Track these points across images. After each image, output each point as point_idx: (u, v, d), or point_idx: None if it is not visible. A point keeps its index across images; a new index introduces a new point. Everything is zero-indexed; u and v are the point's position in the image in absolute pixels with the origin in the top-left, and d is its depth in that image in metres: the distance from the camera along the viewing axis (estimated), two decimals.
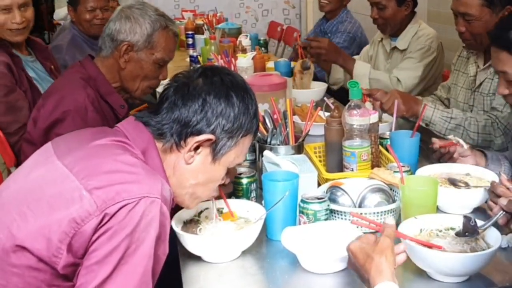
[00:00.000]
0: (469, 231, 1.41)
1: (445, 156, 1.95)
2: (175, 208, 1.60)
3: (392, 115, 2.16)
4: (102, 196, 1.21)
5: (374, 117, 1.92)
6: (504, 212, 1.40)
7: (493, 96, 2.36)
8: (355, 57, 3.54)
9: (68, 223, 1.20)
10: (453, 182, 1.73)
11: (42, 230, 1.21)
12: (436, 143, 1.97)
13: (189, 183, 1.42)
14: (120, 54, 2.06)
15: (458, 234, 1.42)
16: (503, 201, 1.40)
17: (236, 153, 1.44)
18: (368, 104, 2.37)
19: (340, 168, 1.88)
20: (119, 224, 1.19)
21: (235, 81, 1.43)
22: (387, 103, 2.22)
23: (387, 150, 1.94)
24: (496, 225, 1.43)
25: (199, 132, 1.37)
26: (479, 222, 1.42)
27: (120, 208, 1.20)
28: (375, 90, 2.57)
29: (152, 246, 1.23)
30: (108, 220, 1.20)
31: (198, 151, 1.39)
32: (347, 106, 1.85)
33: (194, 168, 1.41)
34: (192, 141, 1.37)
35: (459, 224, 1.43)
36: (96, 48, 3.56)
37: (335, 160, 1.91)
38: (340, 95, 3.11)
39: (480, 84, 2.42)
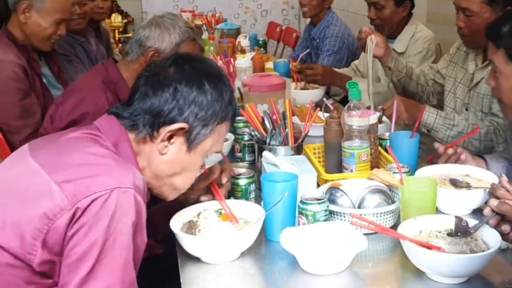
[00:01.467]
0: (461, 231, 1.41)
1: (452, 158, 1.93)
2: (176, 208, 1.60)
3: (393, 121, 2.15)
4: (73, 189, 1.20)
5: (373, 118, 1.92)
6: (494, 213, 1.40)
7: (490, 98, 2.35)
8: (356, 62, 3.54)
9: (40, 219, 1.19)
10: (454, 183, 1.73)
11: (14, 227, 1.20)
12: (441, 147, 1.95)
13: (165, 174, 1.41)
14: (146, 59, 2.11)
15: (450, 235, 1.43)
16: (493, 202, 1.40)
17: (213, 141, 1.42)
18: (373, 37, 2.39)
19: (340, 169, 1.88)
20: (94, 218, 1.18)
21: (208, 68, 1.42)
22: (389, 110, 2.21)
23: (386, 151, 1.94)
24: None
25: (172, 122, 1.36)
26: (471, 223, 1.43)
27: (92, 201, 1.18)
28: (378, 33, 2.59)
29: (130, 236, 1.22)
30: (81, 215, 1.18)
31: (172, 141, 1.38)
32: (346, 106, 1.84)
33: (169, 159, 1.39)
34: (165, 130, 1.36)
35: (454, 222, 1.44)
36: (79, 43, 3.57)
37: (335, 161, 1.91)
38: (343, 103, 3.11)
39: (477, 83, 2.42)
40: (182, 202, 1.65)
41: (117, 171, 1.25)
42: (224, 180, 1.67)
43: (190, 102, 1.36)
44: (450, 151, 1.91)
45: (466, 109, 2.49)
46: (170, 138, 1.37)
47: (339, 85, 3.22)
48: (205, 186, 1.66)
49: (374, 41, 2.42)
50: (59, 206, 1.19)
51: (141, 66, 2.10)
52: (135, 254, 1.25)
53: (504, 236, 1.39)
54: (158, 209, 1.68)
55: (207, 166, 2.18)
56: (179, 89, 1.35)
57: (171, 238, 1.56)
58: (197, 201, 1.66)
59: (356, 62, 3.54)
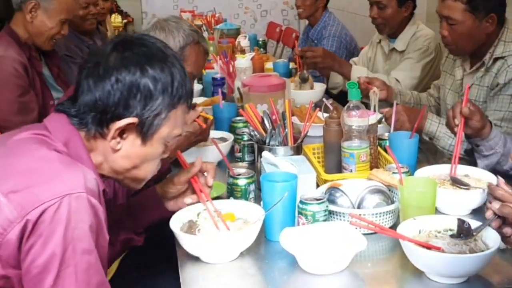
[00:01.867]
0: (463, 233, 1.41)
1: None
2: (155, 201, 1.59)
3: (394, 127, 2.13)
4: (20, 200, 1.14)
5: (372, 118, 1.92)
6: (496, 216, 1.40)
7: (483, 104, 2.34)
8: (354, 59, 3.55)
9: None
10: (454, 181, 1.73)
11: None
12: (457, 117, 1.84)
13: (123, 169, 1.34)
14: None
15: (453, 237, 1.42)
16: (495, 205, 1.40)
17: (170, 128, 1.33)
18: (376, 90, 2.38)
19: (339, 169, 1.88)
20: (48, 229, 1.13)
21: (150, 52, 1.30)
22: (391, 118, 2.17)
23: (386, 151, 1.94)
24: None
25: (120, 117, 1.26)
26: (473, 224, 1.42)
27: (43, 212, 1.13)
28: (375, 79, 2.58)
29: (90, 240, 1.17)
30: (34, 227, 1.13)
31: (124, 136, 1.29)
32: (346, 107, 1.84)
33: (124, 154, 1.31)
34: (114, 127, 1.27)
35: (456, 223, 1.44)
36: (86, 46, 3.58)
37: (334, 161, 1.91)
38: (339, 99, 3.12)
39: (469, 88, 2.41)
40: (162, 195, 1.61)
41: (66, 176, 1.18)
42: (210, 182, 1.60)
43: (135, 92, 1.26)
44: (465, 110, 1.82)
45: None
46: (121, 133, 1.29)
47: (338, 70, 3.22)
48: (186, 180, 1.59)
49: (377, 93, 2.41)
50: (8, 219, 1.13)
51: None
52: (100, 255, 1.21)
53: (505, 239, 1.39)
54: (136, 202, 1.66)
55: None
56: (121, 80, 1.25)
57: (171, 236, 1.56)
58: (178, 197, 1.61)
59: (355, 59, 3.54)
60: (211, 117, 2.12)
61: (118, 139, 1.29)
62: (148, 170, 1.39)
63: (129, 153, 1.32)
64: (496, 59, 2.30)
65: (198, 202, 1.60)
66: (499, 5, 2.28)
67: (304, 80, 3.07)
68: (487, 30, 2.28)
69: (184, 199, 1.61)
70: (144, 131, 1.30)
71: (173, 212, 1.60)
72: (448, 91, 2.53)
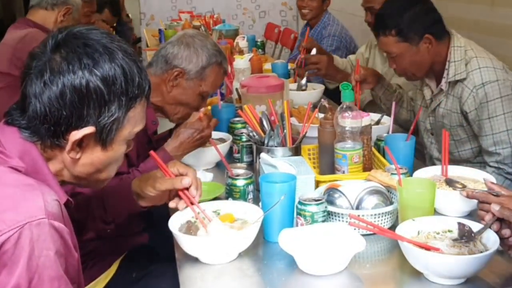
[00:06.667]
0: (465, 236, 1.41)
1: None
2: (128, 192, 1.58)
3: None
4: None
5: (366, 120, 1.92)
6: (496, 218, 1.40)
7: (459, 127, 2.32)
8: (351, 56, 3.54)
9: None
10: (449, 183, 1.73)
11: None
12: None
13: (85, 174, 1.28)
14: (169, 77, 2.10)
15: (456, 240, 1.42)
16: (495, 207, 1.40)
17: (130, 127, 1.27)
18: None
19: (333, 170, 1.88)
20: (11, 260, 1.07)
21: (97, 49, 1.20)
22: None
23: (384, 152, 1.94)
24: None
25: (74, 127, 1.19)
26: (473, 227, 1.42)
27: (3, 243, 1.06)
28: (364, 70, 2.61)
29: (58, 266, 1.11)
30: None
31: (83, 144, 1.23)
32: (339, 108, 1.85)
33: (85, 162, 1.26)
34: (70, 140, 1.20)
35: (456, 227, 1.44)
36: None
37: (328, 162, 1.91)
38: (335, 95, 3.12)
39: (435, 109, 2.40)
40: (137, 193, 1.58)
41: (25, 202, 1.11)
42: (193, 192, 1.53)
43: (87, 99, 1.18)
44: None
45: (432, 134, 2.47)
46: (80, 143, 1.22)
47: (341, 80, 3.23)
48: (166, 190, 1.54)
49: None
50: None
51: (163, 83, 2.11)
52: (70, 275, 1.16)
53: (502, 241, 1.39)
54: (109, 192, 1.63)
55: (205, 167, 2.17)
56: (68, 86, 1.16)
57: (170, 237, 1.55)
58: (157, 199, 1.58)
59: (351, 56, 3.54)
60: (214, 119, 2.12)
61: (77, 148, 1.23)
62: (112, 171, 1.34)
63: (90, 161, 1.26)
64: (454, 83, 2.28)
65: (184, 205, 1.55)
66: (430, 25, 2.27)
67: (301, 89, 3.11)
68: (428, 51, 2.27)
69: (169, 204, 1.56)
70: (103, 137, 1.23)
71: (143, 208, 1.60)
72: (419, 106, 2.53)
